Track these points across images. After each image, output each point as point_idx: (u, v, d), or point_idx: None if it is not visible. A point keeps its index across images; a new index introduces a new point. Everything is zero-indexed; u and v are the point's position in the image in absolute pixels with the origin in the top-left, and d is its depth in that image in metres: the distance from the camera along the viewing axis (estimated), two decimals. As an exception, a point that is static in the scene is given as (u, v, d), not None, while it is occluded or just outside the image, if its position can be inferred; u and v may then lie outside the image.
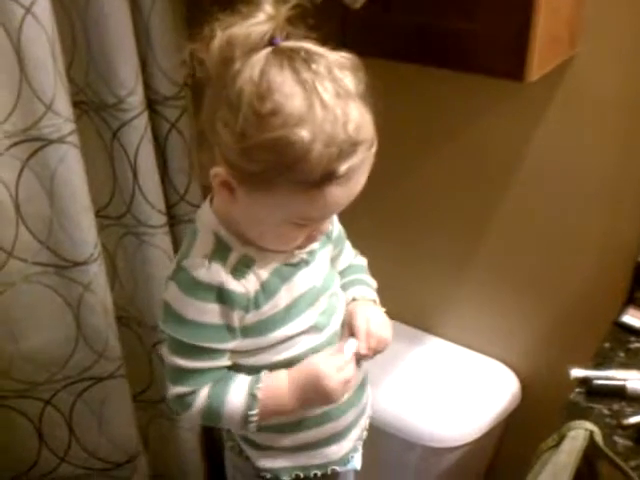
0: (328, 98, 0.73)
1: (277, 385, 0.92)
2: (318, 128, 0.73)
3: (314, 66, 0.74)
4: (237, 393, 0.90)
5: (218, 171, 0.80)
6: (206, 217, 0.89)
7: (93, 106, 1.27)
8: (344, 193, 0.79)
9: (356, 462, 1.10)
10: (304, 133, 0.72)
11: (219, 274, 0.85)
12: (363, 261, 1.11)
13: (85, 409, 1.38)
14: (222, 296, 0.85)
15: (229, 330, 0.88)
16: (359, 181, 0.80)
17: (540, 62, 0.96)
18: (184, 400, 0.91)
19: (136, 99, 1.24)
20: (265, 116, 0.73)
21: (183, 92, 1.34)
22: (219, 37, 0.75)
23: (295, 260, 0.92)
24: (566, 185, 1.23)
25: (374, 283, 1.09)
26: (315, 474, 1.04)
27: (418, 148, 1.36)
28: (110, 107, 1.25)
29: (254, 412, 0.90)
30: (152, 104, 1.32)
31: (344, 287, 1.05)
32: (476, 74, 1.02)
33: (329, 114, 0.73)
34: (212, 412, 0.91)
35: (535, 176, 1.25)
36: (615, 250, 1.23)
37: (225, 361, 0.91)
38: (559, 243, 1.28)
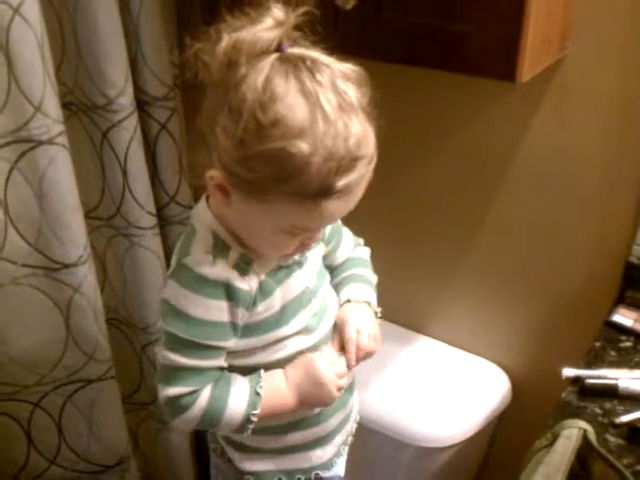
0: (331, 111, 0.72)
1: (276, 383, 0.92)
2: (319, 142, 0.72)
3: (319, 77, 0.73)
4: (239, 393, 0.89)
5: (214, 174, 0.79)
6: (203, 215, 0.89)
7: (82, 107, 1.27)
8: (340, 207, 0.78)
9: (340, 468, 1.10)
10: (304, 146, 0.71)
11: (226, 270, 0.84)
12: (364, 252, 1.10)
13: (75, 411, 1.37)
14: (229, 293, 0.85)
15: (234, 328, 0.87)
16: (356, 195, 0.79)
17: (531, 63, 0.96)
18: (180, 402, 0.88)
19: (126, 100, 1.24)
20: (266, 126, 0.72)
21: (173, 93, 1.34)
22: (226, 40, 0.73)
23: (289, 262, 0.91)
24: (557, 185, 1.23)
25: (374, 278, 1.09)
26: (299, 478, 1.04)
27: (410, 149, 1.36)
28: (99, 108, 1.24)
29: (256, 412, 0.89)
30: (142, 105, 1.32)
31: (341, 283, 1.05)
32: (468, 75, 1.02)
33: (331, 128, 0.72)
34: (213, 413, 0.89)
35: (526, 177, 1.26)
36: (606, 250, 1.24)
37: (222, 361, 0.90)
38: (550, 243, 1.29)
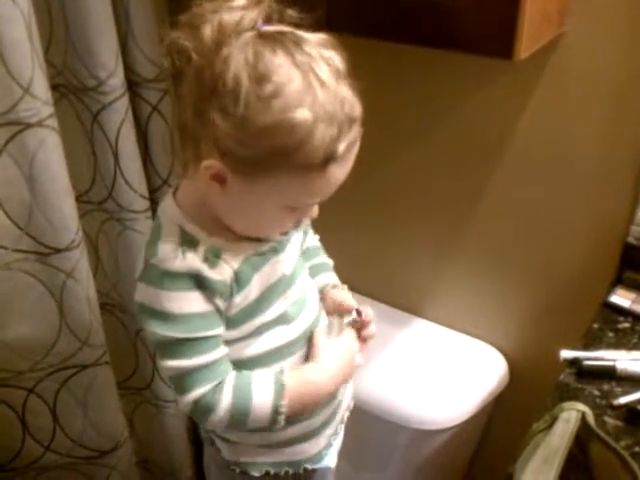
0: (326, 78, 0.74)
1: (304, 370, 0.93)
2: (319, 108, 0.73)
3: (306, 48, 0.74)
4: (261, 381, 0.88)
5: (210, 163, 0.77)
6: (170, 211, 0.87)
7: (72, 89, 1.25)
8: (342, 172, 0.79)
9: (330, 459, 1.09)
10: (307, 114, 0.72)
11: (195, 262, 0.82)
12: (317, 240, 1.11)
13: (69, 397, 1.37)
14: (201, 283, 0.83)
15: (219, 313, 0.86)
16: (352, 158, 0.80)
17: (529, 40, 0.95)
18: (204, 403, 0.86)
19: (116, 81, 1.22)
20: (267, 99, 0.72)
21: (164, 74, 1.32)
22: (210, 24, 0.73)
23: (264, 249, 0.90)
24: (554, 165, 1.22)
25: (332, 263, 1.11)
26: (287, 471, 1.03)
27: (405, 129, 1.35)
28: (90, 90, 1.22)
29: (284, 402, 0.87)
30: (133, 87, 1.30)
31: (311, 271, 1.05)
32: (463, 53, 1.01)
33: (328, 94, 0.73)
34: (240, 406, 0.86)
35: (523, 156, 1.25)
36: (603, 231, 1.23)
37: (224, 349, 0.88)
38: (547, 224, 1.28)
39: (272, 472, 1.02)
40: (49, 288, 1.24)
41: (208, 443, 1.07)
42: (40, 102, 1.10)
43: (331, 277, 1.08)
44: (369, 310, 1.03)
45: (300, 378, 0.91)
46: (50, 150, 1.13)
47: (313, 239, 1.09)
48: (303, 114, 0.72)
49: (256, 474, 1.02)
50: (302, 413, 0.94)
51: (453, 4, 0.95)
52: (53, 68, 1.22)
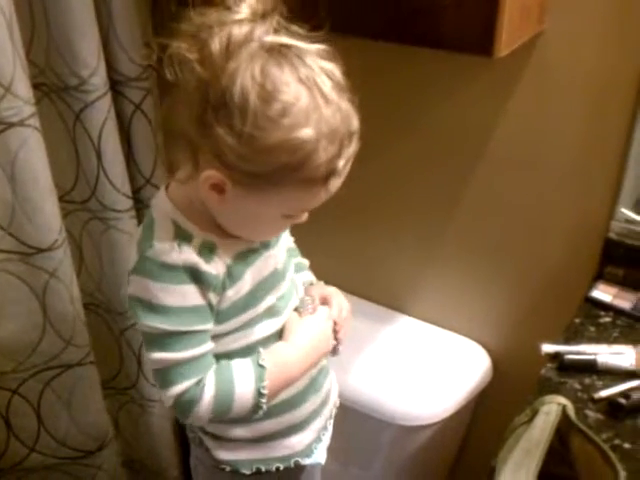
0: (329, 93, 0.75)
1: (277, 350, 0.93)
2: (324, 125, 0.74)
3: (308, 61, 0.75)
4: (243, 370, 0.89)
5: (210, 174, 0.77)
6: (163, 205, 0.87)
7: (54, 88, 1.24)
8: (339, 183, 0.81)
9: (320, 455, 1.09)
10: (312, 132, 0.73)
11: (191, 256, 0.83)
12: (293, 242, 1.12)
13: (54, 397, 1.36)
14: (197, 277, 0.83)
15: (210, 308, 0.86)
16: (349, 168, 0.82)
17: (509, 37, 0.95)
18: (187, 397, 0.86)
19: (98, 80, 1.21)
20: (274, 117, 0.72)
21: (147, 73, 1.31)
22: (219, 37, 0.73)
23: (256, 245, 0.91)
24: (536, 162, 1.23)
25: (308, 263, 1.12)
26: (277, 467, 1.03)
27: (387, 126, 1.35)
28: (72, 89, 1.22)
29: (265, 384, 0.88)
30: (115, 85, 1.29)
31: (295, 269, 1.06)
32: (444, 51, 1.01)
33: (332, 110, 0.75)
34: (224, 397, 0.87)
35: (504, 153, 1.25)
36: (585, 226, 1.24)
37: (211, 344, 0.89)
38: (529, 220, 1.29)
39: (263, 469, 1.02)
40: (32, 288, 1.23)
41: (196, 444, 1.06)
42: (22, 101, 1.09)
43: (308, 275, 1.09)
44: (341, 299, 1.05)
45: (273, 356, 0.92)
46: (32, 150, 1.13)
47: (289, 239, 1.09)
48: (309, 132, 0.73)
49: (247, 472, 1.02)
50: (279, 391, 0.94)
51: (434, 2, 0.95)
52: (35, 67, 1.21)
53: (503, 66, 1.13)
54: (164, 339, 0.85)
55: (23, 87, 1.09)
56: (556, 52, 1.13)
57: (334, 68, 0.77)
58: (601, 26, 1.08)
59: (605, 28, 1.08)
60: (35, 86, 1.18)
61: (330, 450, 1.13)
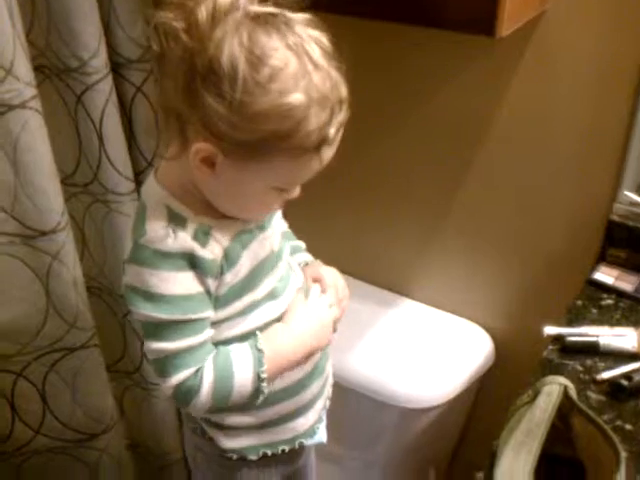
0: (318, 59, 0.74)
1: (274, 334, 0.92)
2: (314, 92, 0.73)
3: (296, 29, 0.74)
4: (242, 356, 0.88)
5: (201, 147, 0.77)
6: (153, 191, 0.86)
7: (55, 70, 1.23)
8: (331, 153, 0.80)
9: (322, 434, 1.09)
10: (302, 97, 0.72)
11: (187, 241, 0.82)
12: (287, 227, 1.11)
13: (58, 380, 1.36)
14: (194, 263, 0.83)
15: (209, 295, 0.86)
16: (340, 137, 0.80)
17: (511, 17, 0.95)
18: (186, 387, 0.86)
19: (99, 62, 1.20)
20: (264, 83, 0.72)
21: (148, 55, 1.30)
22: (205, 5, 0.72)
23: (251, 226, 0.90)
24: (538, 143, 1.23)
25: (304, 245, 1.11)
26: (283, 450, 1.03)
27: (389, 109, 1.35)
28: (73, 71, 1.21)
29: (264, 368, 0.88)
30: (116, 68, 1.29)
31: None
32: (446, 30, 1.00)
33: (322, 76, 0.74)
34: (223, 385, 0.86)
35: (507, 135, 1.25)
36: (587, 208, 1.24)
37: (210, 331, 0.88)
38: (531, 202, 1.28)
39: (269, 453, 1.02)
40: (35, 271, 1.23)
41: (198, 434, 1.05)
42: (23, 84, 1.09)
43: (304, 256, 1.08)
44: (337, 278, 1.04)
45: (271, 339, 0.91)
46: (34, 132, 1.13)
47: (283, 224, 1.08)
48: (299, 98, 0.72)
49: (254, 457, 1.02)
50: (278, 374, 0.93)
51: (435, -19, 0.95)
52: (35, 49, 1.21)
53: (504, 47, 1.12)
54: (161, 328, 0.84)
55: (24, 69, 1.09)
56: (558, 33, 1.12)
57: (322, 36, 0.76)
58: (604, 6, 1.08)
59: (608, 8, 1.07)
60: (36, 68, 1.17)
61: (334, 433, 1.13)
